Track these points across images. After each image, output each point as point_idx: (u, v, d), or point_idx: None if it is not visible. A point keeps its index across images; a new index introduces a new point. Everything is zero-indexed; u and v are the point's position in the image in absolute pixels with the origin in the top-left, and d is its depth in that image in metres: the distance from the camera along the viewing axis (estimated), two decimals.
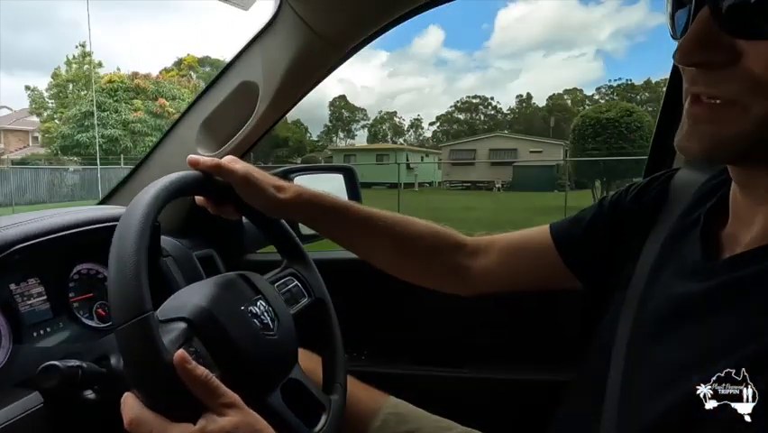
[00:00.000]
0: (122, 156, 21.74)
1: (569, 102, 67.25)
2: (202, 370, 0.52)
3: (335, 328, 0.87)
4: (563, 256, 0.74)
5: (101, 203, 1.21)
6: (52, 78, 28.49)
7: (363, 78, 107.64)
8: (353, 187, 1.52)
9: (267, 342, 0.67)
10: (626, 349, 0.55)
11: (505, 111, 71.38)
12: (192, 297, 0.65)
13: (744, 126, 0.42)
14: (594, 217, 0.73)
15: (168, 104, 23.91)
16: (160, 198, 0.63)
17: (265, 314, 0.70)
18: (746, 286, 0.44)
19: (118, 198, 1.18)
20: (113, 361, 0.63)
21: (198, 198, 0.81)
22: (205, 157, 0.76)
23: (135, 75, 24.10)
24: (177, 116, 1.18)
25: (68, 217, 0.83)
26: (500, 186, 26.76)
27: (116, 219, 0.60)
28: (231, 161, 0.77)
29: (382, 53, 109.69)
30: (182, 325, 0.60)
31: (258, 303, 0.70)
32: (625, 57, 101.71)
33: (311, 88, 1.15)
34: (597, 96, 66.27)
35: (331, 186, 1.60)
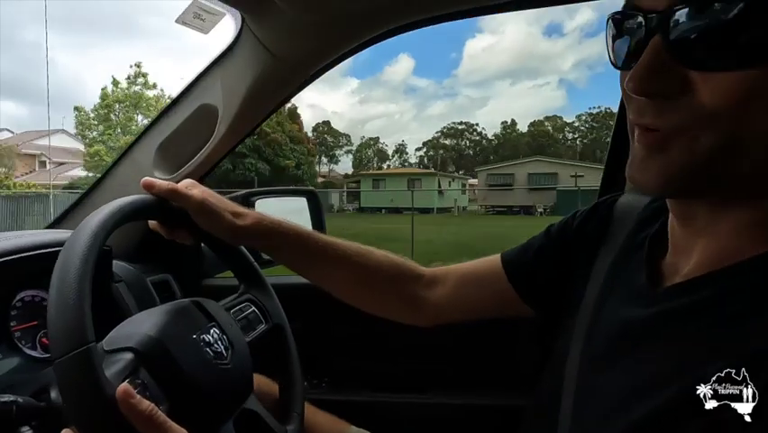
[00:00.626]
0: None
1: (550, 128, 68.91)
2: (147, 404, 0.50)
3: (293, 355, 0.85)
4: (514, 284, 0.74)
5: (50, 227, 1.16)
6: (101, 99, 26.44)
7: (334, 103, 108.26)
8: (317, 211, 1.51)
9: (220, 371, 0.65)
10: (576, 374, 0.55)
11: (490, 137, 72.40)
12: (141, 325, 0.62)
13: (693, 156, 0.42)
14: (542, 245, 0.74)
15: None
16: (109, 223, 0.61)
17: (218, 342, 0.68)
18: (683, 316, 0.45)
19: (68, 222, 1.14)
20: (52, 394, 0.60)
21: (151, 223, 0.79)
22: (160, 180, 0.74)
23: None
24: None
25: (9, 243, 0.80)
26: (542, 210, 26.76)
27: (63, 244, 0.57)
28: (188, 186, 0.76)
29: (353, 80, 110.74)
30: (129, 355, 0.58)
31: (211, 331, 0.68)
32: (586, 86, 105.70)
33: (273, 112, 1.15)
34: (577, 123, 68.19)
35: (294, 209, 1.59)
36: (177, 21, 0.89)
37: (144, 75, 26.30)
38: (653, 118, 0.43)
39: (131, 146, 1.13)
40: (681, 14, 0.40)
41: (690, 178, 0.43)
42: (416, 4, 0.91)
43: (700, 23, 0.39)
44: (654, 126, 0.43)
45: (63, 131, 30.15)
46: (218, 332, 0.69)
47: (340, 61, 1.02)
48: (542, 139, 65.04)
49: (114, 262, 0.97)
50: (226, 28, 0.98)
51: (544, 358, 0.69)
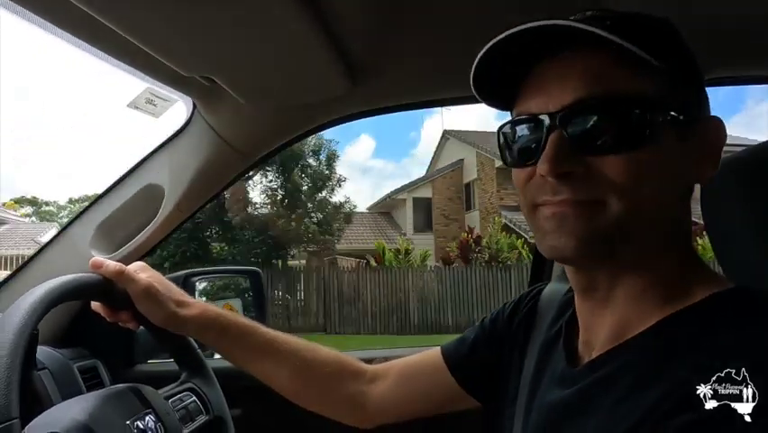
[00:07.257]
0: None
1: None
2: None
3: None
4: (456, 376, 0.75)
5: None
6: None
7: None
8: (258, 290, 1.49)
9: None
10: None
11: None
12: (69, 410, 0.59)
13: (607, 222, 0.48)
14: (477, 337, 0.76)
15: None
16: (47, 300, 0.59)
17: (153, 430, 0.65)
18: (602, 387, 0.49)
19: None
20: None
21: (94, 304, 0.76)
22: (109, 261, 0.73)
23: None
24: None
25: None
26: None
27: None
28: (137, 269, 0.74)
29: None
30: None
31: (146, 418, 0.65)
32: None
33: (221, 192, 1.17)
34: None
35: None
36: (128, 105, 0.91)
37: None
38: (571, 193, 0.49)
39: (67, 225, 1.10)
40: (576, 115, 0.49)
41: (601, 240, 0.48)
42: (366, 96, 0.98)
43: (593, 121, 0.48)
44: (573, 199, 0.49)
45: None
46: (154, 419, 0.66)
47: (290, 145, 1.07)
48: None
49: (39, 347, 0.91)
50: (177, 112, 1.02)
51: None
